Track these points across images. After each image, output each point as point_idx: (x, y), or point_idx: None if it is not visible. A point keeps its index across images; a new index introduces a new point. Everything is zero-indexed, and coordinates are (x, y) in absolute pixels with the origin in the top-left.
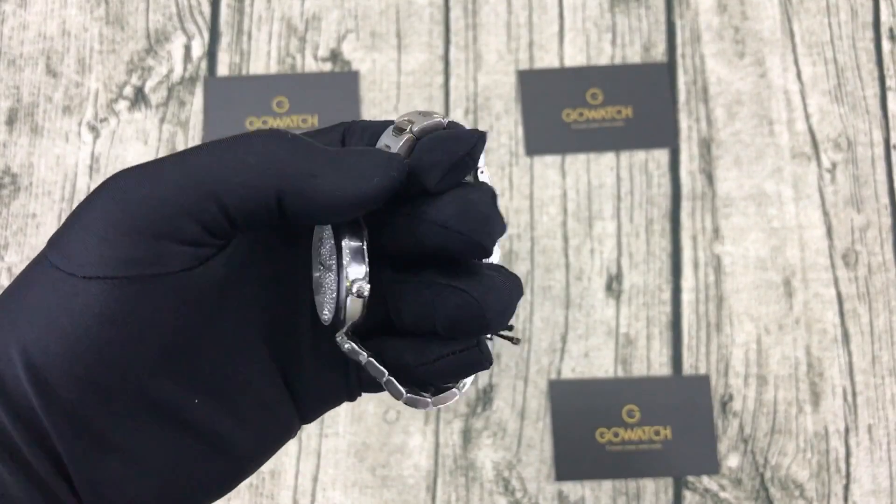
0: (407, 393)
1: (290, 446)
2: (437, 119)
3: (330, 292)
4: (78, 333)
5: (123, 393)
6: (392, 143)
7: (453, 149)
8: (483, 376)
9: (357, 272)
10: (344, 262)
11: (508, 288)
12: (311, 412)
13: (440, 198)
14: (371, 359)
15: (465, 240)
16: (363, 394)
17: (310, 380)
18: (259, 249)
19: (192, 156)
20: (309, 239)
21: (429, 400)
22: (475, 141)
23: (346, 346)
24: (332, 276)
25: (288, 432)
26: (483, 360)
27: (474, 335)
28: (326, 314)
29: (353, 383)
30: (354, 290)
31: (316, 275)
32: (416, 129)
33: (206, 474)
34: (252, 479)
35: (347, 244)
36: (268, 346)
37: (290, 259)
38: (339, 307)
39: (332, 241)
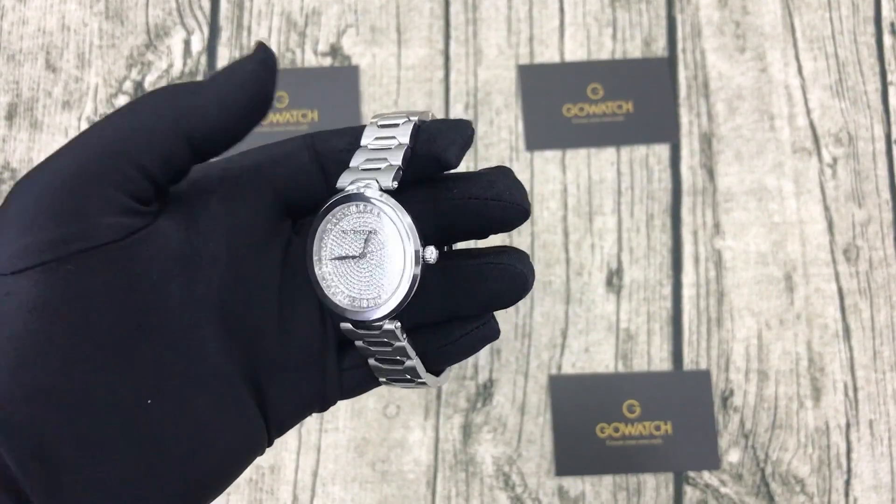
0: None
1: (290, 441)
2: (421, 112)
3: (376, 275)
4: (16, 334)
5: (71, 396)
6: (386, 133)
7: (461, 129)
8: (483, 371)
9: (419, 244)
10: (404, 236)
11: (529, 260)
12: (281, 422)
13: (479, 177)
14: (407, 343)
15: (519, 209)
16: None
17: (279, 385)
18: (213, 246)
19: (91, 130)
20: (271, 241)
21: (448, 373)
22: (469, 123)
23: (390, 325)
24: (370, 260)
25: (255, 446)
26: (498, 330)
27: (512, 304)
28: (373, 297)
29: (331, 389)
30: (429, 256)
31: (325, 269)
32: (412, 118)
33: (167, 500)
34: (251, 474)
35: (401, 220)
36: (228, 346)
37: (250, 260)
38: (405, 285)
39: (353, 228)
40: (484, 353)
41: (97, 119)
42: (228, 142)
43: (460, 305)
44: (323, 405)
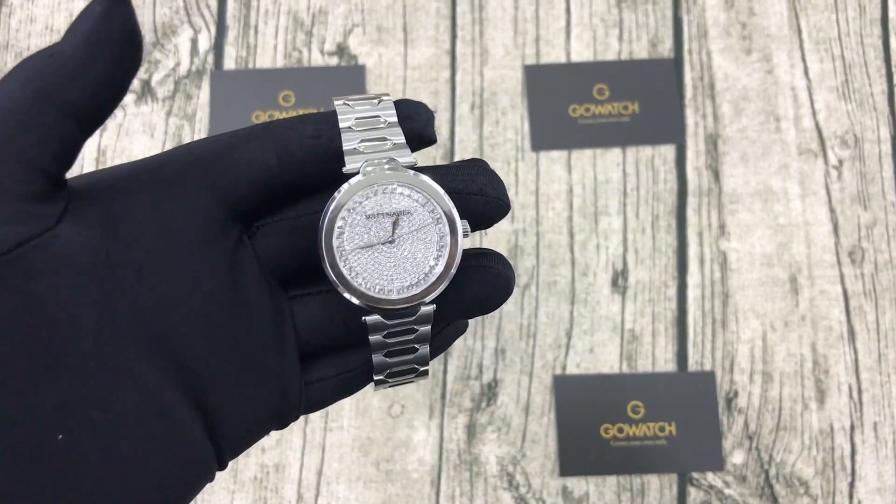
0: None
1: (295, 440)
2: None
3: (412, 257)
4: None
5: None
6: (367, 113)
7: (425, 107)
8: (488, 371)
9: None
10: (442, 209)
11: (509, 263)
12: (235, 444)
13: (458, 170)
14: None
15: (501, 205)
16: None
17: (229, 406)
18: (136, 255)
19: None
20: (212, 246)
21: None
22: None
23: (429, 308)
24: (401, 243)
25: (203, 474)
26: (466, 323)
27: (495, 308)
28: (413, 282)
29: (291, 404)
30: (461, 232)
31: (352, 261)
32: (384, 97)
33: None
34: (256, 473)
35: (437, 193)
36: (160, 368)
37: (185, 269)
38: (450, 260)
39: (379, 212)
40: (488, 353)
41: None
42: (108, 97)
43: (442, 311)
44: (282, 422)
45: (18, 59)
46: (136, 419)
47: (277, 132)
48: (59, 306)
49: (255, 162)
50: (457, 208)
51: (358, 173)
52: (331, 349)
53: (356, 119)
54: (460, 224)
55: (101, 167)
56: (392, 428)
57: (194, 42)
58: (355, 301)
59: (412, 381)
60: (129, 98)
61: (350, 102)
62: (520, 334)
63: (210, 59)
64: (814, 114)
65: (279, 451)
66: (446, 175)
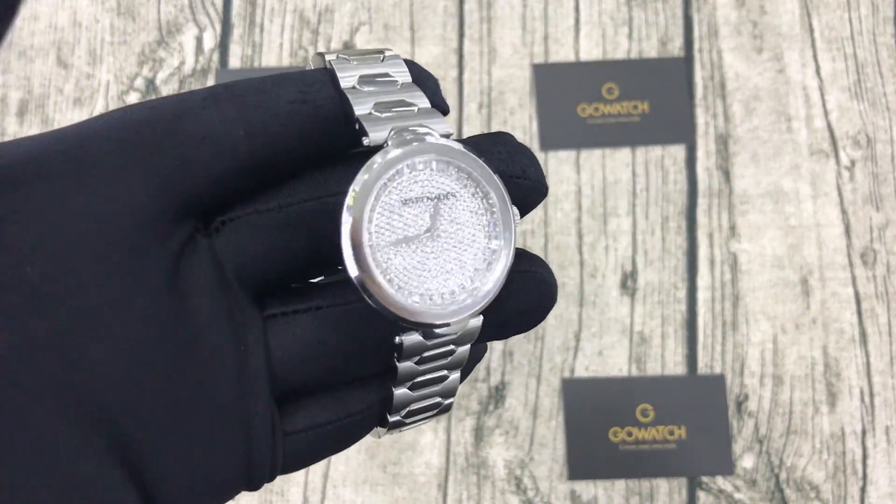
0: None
1: None
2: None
3: (456, 254)
4: None
5: None
6: (374, 70)
7: (428, 73)
8: (496, 374)
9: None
10: (491, 192)
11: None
12: None
13: (494, 147)
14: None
15: (543, 189)
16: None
17: (171, 464)
18: (33, 271)
19: None
20: (147, 253)
21: None
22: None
23: (477, 321)
24: (443, 235)
25: None
26: (486, 346)
27: (535, 325)
28: (459, 286)
29: (261, 462)
30: (515, 223)
31: (384, 260)
32: (387, 51)
33: None
34: None
35: (485, 170)
36: (70, 422)
37: (106, 288)
38: (502, 258)
39: (416, 196)
40: (496, 356)
41: None
42: None
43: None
44: (251, 484)
45: (22, 58)
46: (41, 488)
47: (246, 96)
48: None
49: (213, 137)
50: None
51: (385, 146)
52: (325, 386)
53: (361, 77)
54: (515, 213)
55: None
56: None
57: (199, 40)
58: (388, 315)
59: (428, 421)
60: (133, 97)
61: (348, 56)
62: (527, 337)
63: (215, 57)
64: (826, 114)
65: None
66: (480, 152)
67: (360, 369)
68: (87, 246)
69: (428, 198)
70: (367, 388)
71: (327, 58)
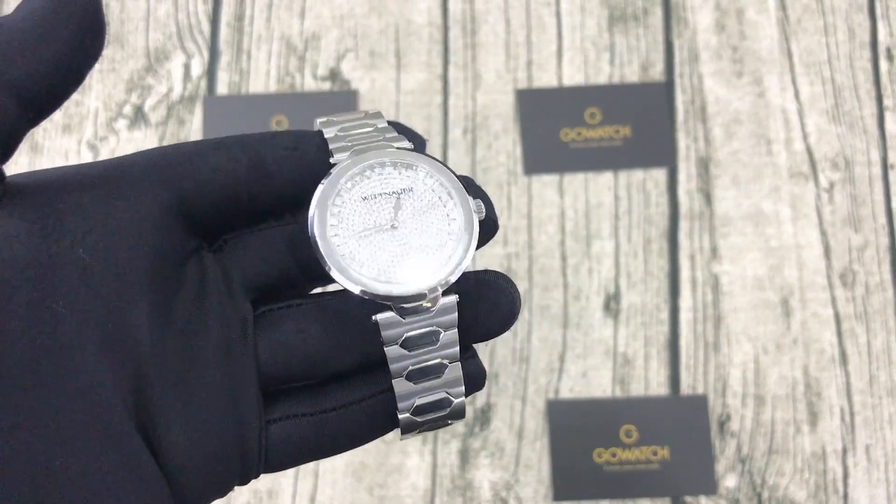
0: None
1: None
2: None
3: (418, 240)
4: None
5: None
6: (355, 124)
7: (417, 134)
8: (481, 396)
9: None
10: (448, 187)
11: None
12: (186, 476)
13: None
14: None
15: (495, 225)
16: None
17: (177, 418)
18: (82, 254)
19: None
20: (166, 254)
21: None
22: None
23: (450, 298)
24: (405, 225)
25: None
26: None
27: (499, 333)
28: (421, 265)
29: (253, 455)
30: (478, 210)
31: (350, 246)
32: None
33: None
34: (249, 500)
35: (441, 169)
36: (112, 376)
37: (135, 274)
38: (463, 237)
39: (377, 192)
40: None
41: (97, 143)
42: (59, 81)
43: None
44: (244, 477)
45: None
46: (85, 433)
47: (249, 142)
48: None
49: (221, 169)
50: None
51: (347, 160)
52: (309, 381)
53: (341, 128)
54: (472, 200)
55: None
56: (385, 453)
57: (187, 67)
58: (357, 296)
59: (447, 424)
60: (121, 123)
61: (334, 118)
62: (513, 359)
63: (203, 84)
64: (805, 137)
65: (272, 476)
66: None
67: (342, 361)
68: (123, 236)
69: (388, 193)
70: (348, 387)
71: (318, 121)
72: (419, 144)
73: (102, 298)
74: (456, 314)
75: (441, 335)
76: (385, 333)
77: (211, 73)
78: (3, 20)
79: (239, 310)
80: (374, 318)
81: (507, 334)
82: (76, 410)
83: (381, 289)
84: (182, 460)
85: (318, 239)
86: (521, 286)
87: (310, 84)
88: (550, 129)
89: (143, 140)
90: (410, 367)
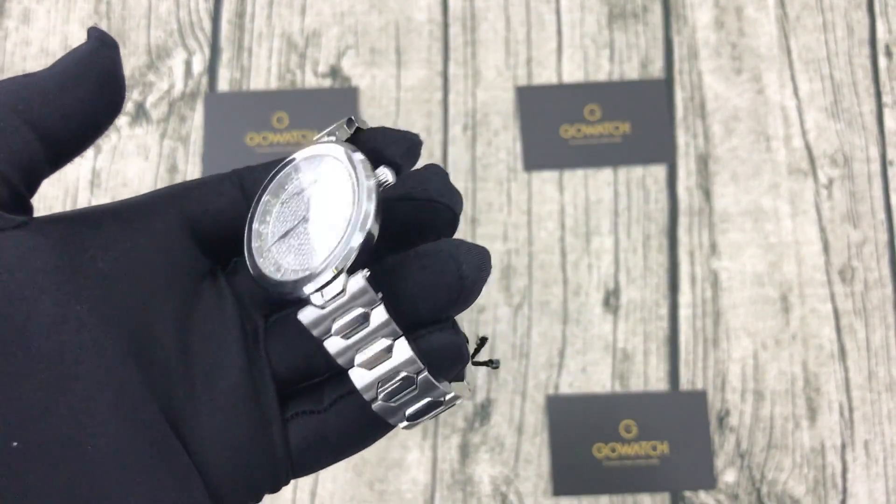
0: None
1: None
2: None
3: (328, 228)
4: None
5: None
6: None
7: (404, 133)
8: (481, 391)
9: (371, 171)
10: (356, 163)
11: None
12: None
13: (412, 177)
14: (384, 309)
15: (450, 214)
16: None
17: (202, 414)
18: (102, 266)
19: None
20: (179, 271)
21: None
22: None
23: (359, 280)
24: (317, 217)
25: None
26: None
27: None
28: (328, 254)
29: (281, 458)
30: (384, 177)
31: (274, 255)
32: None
33: None
34: None
35: (347, 153)
36: (135, 370)
37: (150, 287)
38: (357, 217)
39: (294, 192)
40: (481, 373)
41: (98, 140)
42: (81, 128)
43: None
44: (275, 484)
45: None
46: (108, 417)
47: (246, 171)
48: (11, 303)
49: (224, 193)
50: (407, 216)
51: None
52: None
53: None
54: (362, 164)
55: (95, 189)
56: (385, 448)
57: (188, 64)
58: (283, 294)
59: (440, 403)
60: (123, 120)
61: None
62: (512, 354)
63: (204, 81)
64: (804, 133)
65: None
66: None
67: (319, 365)
68: (141, 252)
69: (300, 192)
70: (333, 384)
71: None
72: (391, 149)
73: (124, 305)
74: (370, 291)
75: (370, 316)
76: (313, 331)
77: (212, 69)
78: (34, 73)
79: (253, 319)
80: (300, 316)
81: (506, 330)
82: (105, 398)
83: (294, 287)
84: (210, 455)
85: (246, 261)
86: (521, 282)
87: (310, 81)
88: (550, 126)
89: (144, 137)
90: (357, 356)
